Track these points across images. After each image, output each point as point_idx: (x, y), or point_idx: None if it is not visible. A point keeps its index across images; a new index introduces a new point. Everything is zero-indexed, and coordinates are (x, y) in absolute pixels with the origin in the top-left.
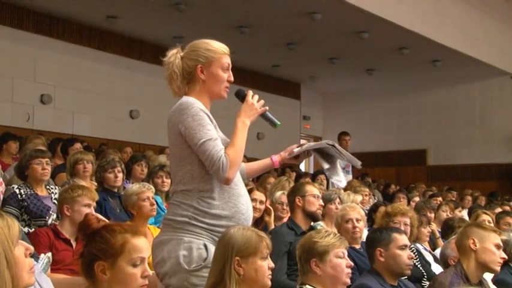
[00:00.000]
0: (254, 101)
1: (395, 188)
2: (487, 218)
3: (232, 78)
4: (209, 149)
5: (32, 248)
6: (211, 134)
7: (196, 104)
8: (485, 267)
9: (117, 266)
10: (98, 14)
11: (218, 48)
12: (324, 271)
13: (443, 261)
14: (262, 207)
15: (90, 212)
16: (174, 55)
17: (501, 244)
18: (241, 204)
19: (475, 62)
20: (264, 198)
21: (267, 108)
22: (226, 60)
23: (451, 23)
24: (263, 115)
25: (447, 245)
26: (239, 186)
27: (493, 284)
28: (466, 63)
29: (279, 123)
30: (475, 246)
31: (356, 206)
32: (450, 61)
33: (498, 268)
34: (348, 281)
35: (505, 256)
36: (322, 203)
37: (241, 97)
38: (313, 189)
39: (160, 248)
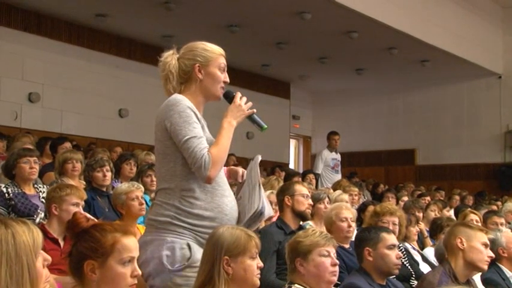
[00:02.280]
0: (242, 102)
1: (384, 187)
2: (474, 217)
3: (228, 80)
4: (192, 146)
5: (49, 258)
6: (197, 131)
7: (183, 101)
8: (473, 266)
9: (107, 265)
10: (87, 12)
11: (215, 49)
12: (308, 270)
13: (437, 257)
14: None
15: (78, 210)
16: (170, 56)
17: (488, 243)
18: (225, 205)
19: (463, 62)
20: None
21: (255, 110)
22: (223, 61)
23: (440, 23)
24: (250, 117)
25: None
26: (223, 187)
27: (481, 283)
28: (454, 64)
29: (265, 126)
30: (463, 245)
31: (349, 205)
32: (439, 61)
33: (486, 267)
34: (333, 279)
35: (492, 255)
36: (311, 202)
37: (230, 98)
38: (302, 189)
39: (143, 248)
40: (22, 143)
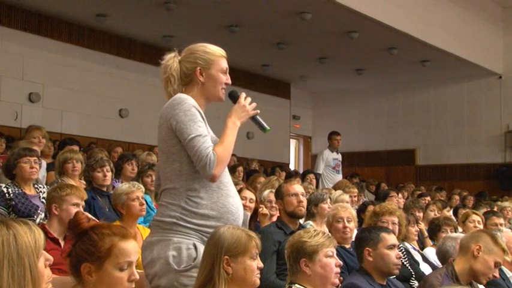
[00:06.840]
0: (246, 103)
1: (385, 187)
2: (477, 218)
3: (229, 81)
4: (198, 145)
5: (51, 258)
6: (202, 130)
7: (189, 100)
8: (475, 276)
9: (103, 269)
10: (87, 12)
11: (216, 51)
12: (314, 271)
13: (440, 257)
14: (253, 205)
15: (79, 210)
16: (172, 59)
17: (501, 263)
18: (231, 204)
19: (463, 62)
20: (253, 196)
21: (258, 111)
22: (224, 63)
23: (440, 23)
24: (253, 118)
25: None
26: (228, 187)
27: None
28: (454, 64)
29: (268, 128)
30: (478, 253)
31: (347, 206)
32: (439, 61)
33: (485, 282)
34: (337, 280)
35: (497, 275)
36: (303, 199)
37: (235, 98)
38: (289, 188)
39: (149, 249)
40: (27, 143)
